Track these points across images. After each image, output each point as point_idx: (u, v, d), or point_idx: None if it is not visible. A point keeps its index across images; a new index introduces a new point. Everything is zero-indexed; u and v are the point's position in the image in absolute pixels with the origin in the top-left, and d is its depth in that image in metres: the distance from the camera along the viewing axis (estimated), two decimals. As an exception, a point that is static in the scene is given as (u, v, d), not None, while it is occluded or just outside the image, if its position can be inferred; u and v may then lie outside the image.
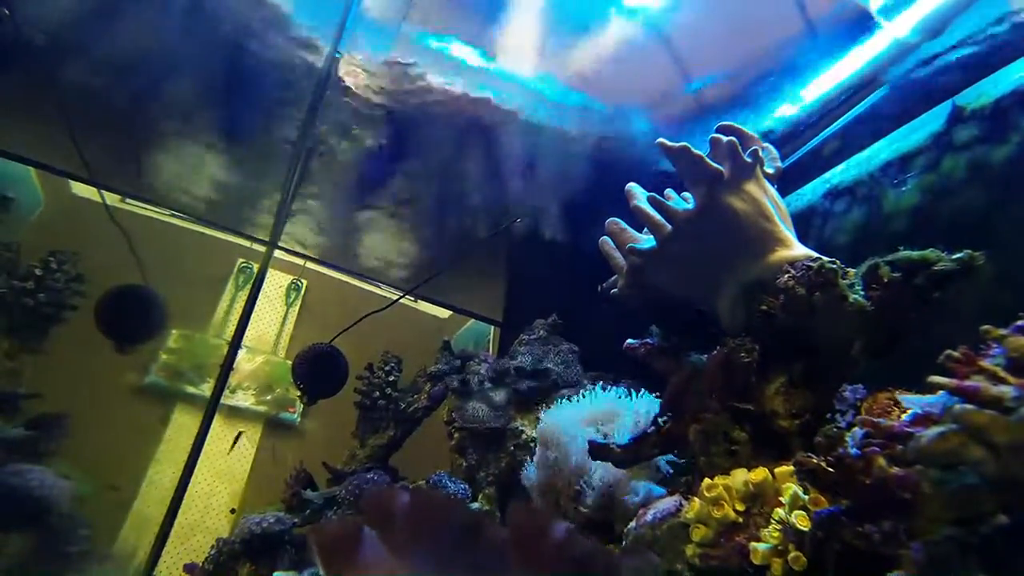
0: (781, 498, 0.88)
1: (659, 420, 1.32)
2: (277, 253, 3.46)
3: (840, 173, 1.90)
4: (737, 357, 1.18)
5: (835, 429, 0.89)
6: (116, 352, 2.65)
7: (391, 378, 2.81)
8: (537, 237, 2.71)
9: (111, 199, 3.23)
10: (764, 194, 1.28)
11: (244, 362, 3.91)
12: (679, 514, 1.09)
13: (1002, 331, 0.71)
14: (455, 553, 0.47)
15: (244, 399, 3.85)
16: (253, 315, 3.34)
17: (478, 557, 0.47)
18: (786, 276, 1.14)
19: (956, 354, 0.71)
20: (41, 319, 2.60)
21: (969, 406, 0.66)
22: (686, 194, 1.34)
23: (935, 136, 1.61)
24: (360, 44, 2.07)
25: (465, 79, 2.12)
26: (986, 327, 0.72)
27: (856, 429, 0.80)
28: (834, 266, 1.09)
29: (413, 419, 2.66)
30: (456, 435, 2.32)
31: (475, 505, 2.05)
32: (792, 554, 0.81)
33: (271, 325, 4.15)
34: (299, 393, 3.24)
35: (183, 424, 3.55)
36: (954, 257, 1.02)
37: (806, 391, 1.12)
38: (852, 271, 1.12)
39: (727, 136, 1.27)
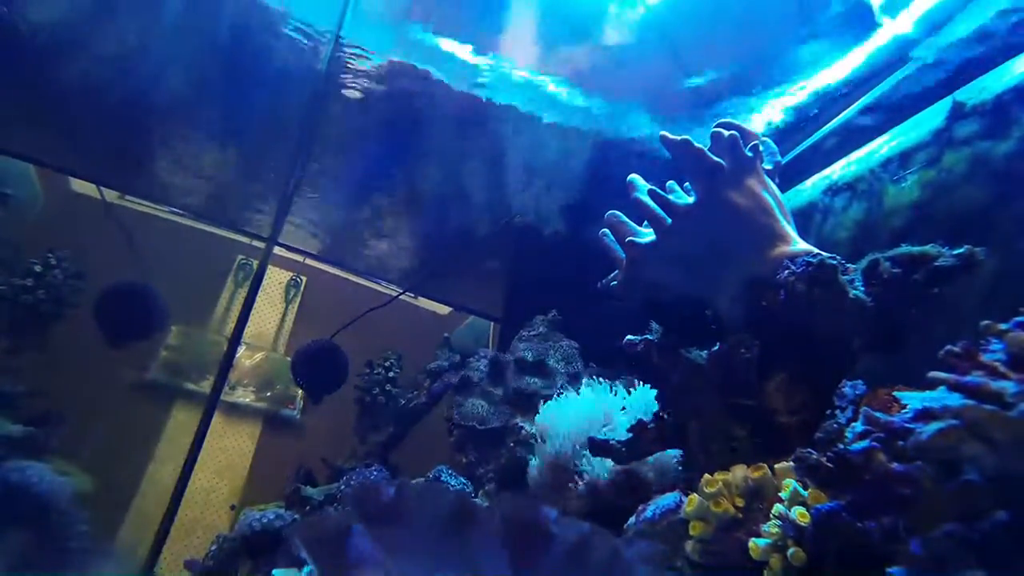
0: (781, 494, 0.88)
1: (659, 416, 1.32)
2: (276, 249, 3.46)
3: (840, 169, 1.90)
4: (737, 353, 1.18)
5: (835, 425, 0.89)
6: (110, 348, 2.65)
7: (391, 374, 2.82)
8: (537, 233, 2.71)
9: (110, 196, 3.23)
10: (764, 189, 1.28)
11: (244, 359, 3.92)
12: (679, 510, 1.09)
13: (1002, 326, 0.70)
14: (447, 544, 0.46)
15: (244, 396, 3.85)
16: (253, 311, 3.35)
17: (471, 546, 0.46)
18: (786, 272, 1.14)
19: (956, 350, 0.71)
20: (41, 316, 2.60)
21: (969, 402, 0.65)
22: (688, 186, 1.34)
23: (936, 132, 1.60)
24: (361, 41, 2.06)
25: (465, 76, 2.12)
26: (986, 323, 0.72)
27: (855, 424, 0.80)
28: (834, 262, 1.09)
29: (413, 415, 2.66)
30: (456, 431, 2.32)
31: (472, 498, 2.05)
32: (791, 550, 0.81)
33: (271, 322, 4.15)
34: (301, 389, 3.23)
35: (183, 421, 3.55)
36: (954, 253, 1.02)
37: (806, 387, 1.12)
38: (852, 267, 1.12)
39: (728, 131, 1.26)
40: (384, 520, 0.47)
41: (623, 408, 1.61)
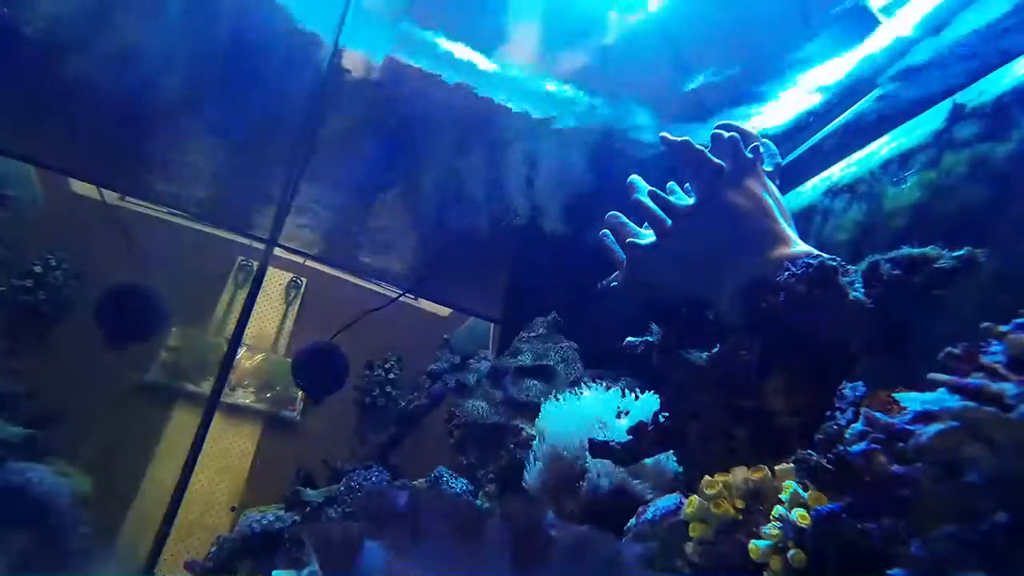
0: (781, 495, 0.88)
1: (659, 418, 1.31)
2: (277, 251, 3.46)
3: (840, 171, 1.90)
4: (737, 354, 1.18)
5: (835, 427, 0.89)
6: (110, 349, 2.65)
7: (391, 376, 2.82)
8: (537, 234, 2.71)
9: (110, 197, 3.23)
10: (764, 191, 1.28)
11: (244, 360, 3.92)
12: (679, 512, 1.09)
13: (1002, 328, 0.70)
14: (454, 551, 0.47)
15: (244, 397, 3.85)
16: (253, 313, 3.35)
17: (477, 553, 0.46)
18: (786, 273, 1.14)
19: (956, 351, 0.71)
20: (41, 318, 2.60)
21: (969, 403, 0.65)
22: (688, 187, 1.34)
23: (936, 133, 1.60)
24: (361, 40, 2.06)
25: (465, 75, 2.12)
26: (987, 324, 0.72)
27: (855, 425, 0.80)
28: (834, 263, 1.09)
29: (413, 417, 2.66)
30: (456, 433, 2.32)
31: (475, 503, 2.05)
32: (792, 551, 0.81)
33: (271, 323, 4.15)
34: (301, 391, 3.23)
35: (183, 422, 3.55)
36: (954, 254, 1.02)
37: (806, 388, 1.12)
38: (852, 268, 1.12)
39: (728, 132, 1.27)
40: (393, 527, 0.47)
41: (625, 413, 1.61)
